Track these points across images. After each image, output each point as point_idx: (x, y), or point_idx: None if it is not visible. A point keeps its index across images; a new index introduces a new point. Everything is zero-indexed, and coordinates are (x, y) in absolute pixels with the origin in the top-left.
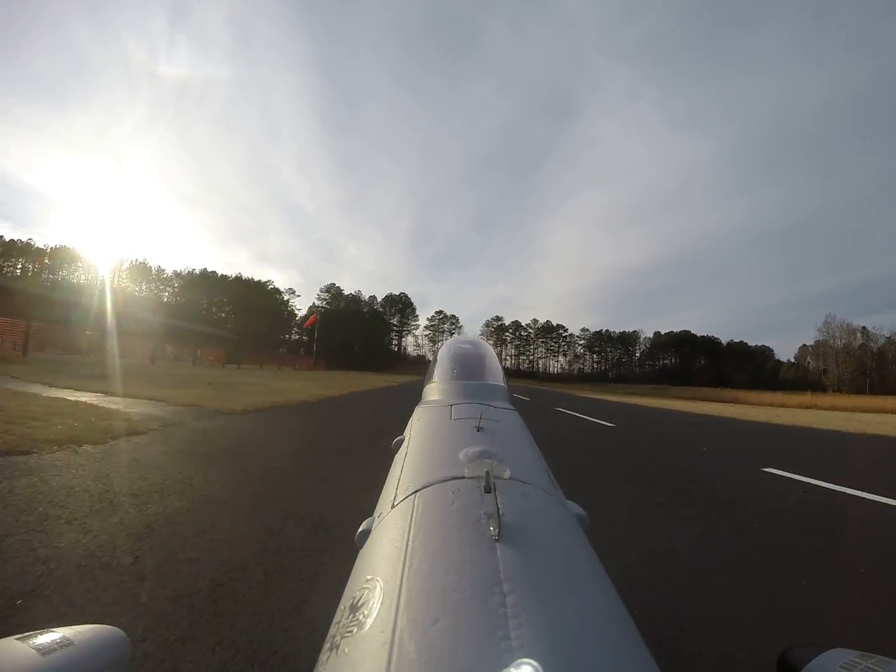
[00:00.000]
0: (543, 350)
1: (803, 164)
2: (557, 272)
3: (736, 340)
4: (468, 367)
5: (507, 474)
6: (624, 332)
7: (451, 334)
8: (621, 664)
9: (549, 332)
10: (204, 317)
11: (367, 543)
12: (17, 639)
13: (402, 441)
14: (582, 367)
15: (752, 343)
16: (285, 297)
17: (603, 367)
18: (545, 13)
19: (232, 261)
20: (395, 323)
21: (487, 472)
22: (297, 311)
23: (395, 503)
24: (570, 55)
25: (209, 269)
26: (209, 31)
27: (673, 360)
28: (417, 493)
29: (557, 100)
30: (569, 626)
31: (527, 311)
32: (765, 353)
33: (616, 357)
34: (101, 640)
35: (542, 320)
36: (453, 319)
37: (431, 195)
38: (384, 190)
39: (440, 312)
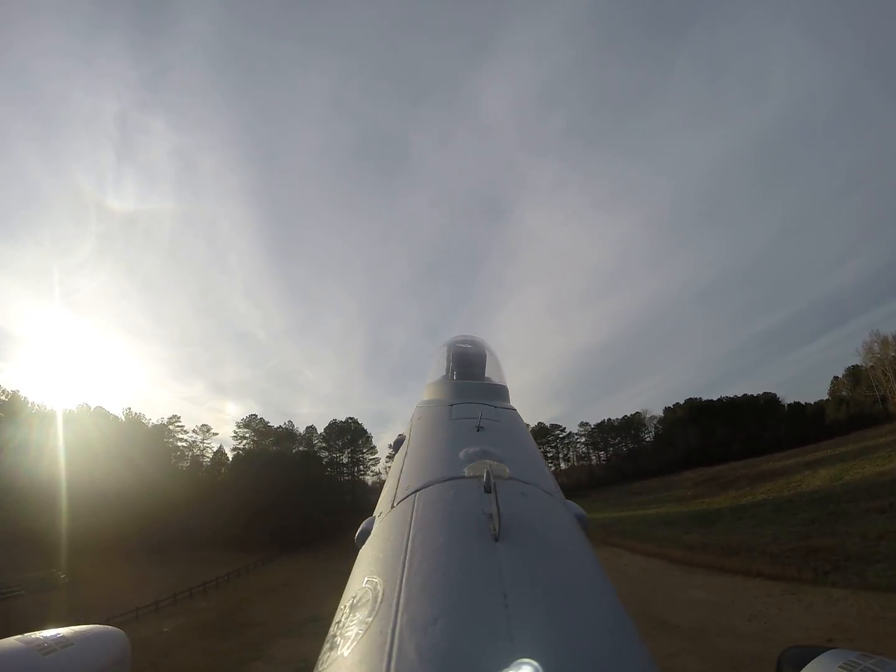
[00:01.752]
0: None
1: (731, 214)
2: (513, 368)
3: (728, 396)
4: (468, 367)
5: (507, 474)
6: (625, 416)
7: None
8: (621, 664)
9: (545, 435)
10: None
11: (366, 543)
12: (18, 639)
13: (402, 440)
14: (590, 468)
15: (750, 392)
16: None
17: (614, 463)
18: (466, 123)
19: (188, 394)
20: (344, 460)
21: (487, 472)
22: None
23: (396, 503)
24: (495, 158)
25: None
26: (154, 163)
27: (690, 437)
28: (417, 493)
29: (489, 202)
30: (569, 626)
31: None
32: (777, 400)
33: (627, 448)
34: (101, 640)
35: (531, 423)
36: None
37: (380, 310)
38: (334, 311)
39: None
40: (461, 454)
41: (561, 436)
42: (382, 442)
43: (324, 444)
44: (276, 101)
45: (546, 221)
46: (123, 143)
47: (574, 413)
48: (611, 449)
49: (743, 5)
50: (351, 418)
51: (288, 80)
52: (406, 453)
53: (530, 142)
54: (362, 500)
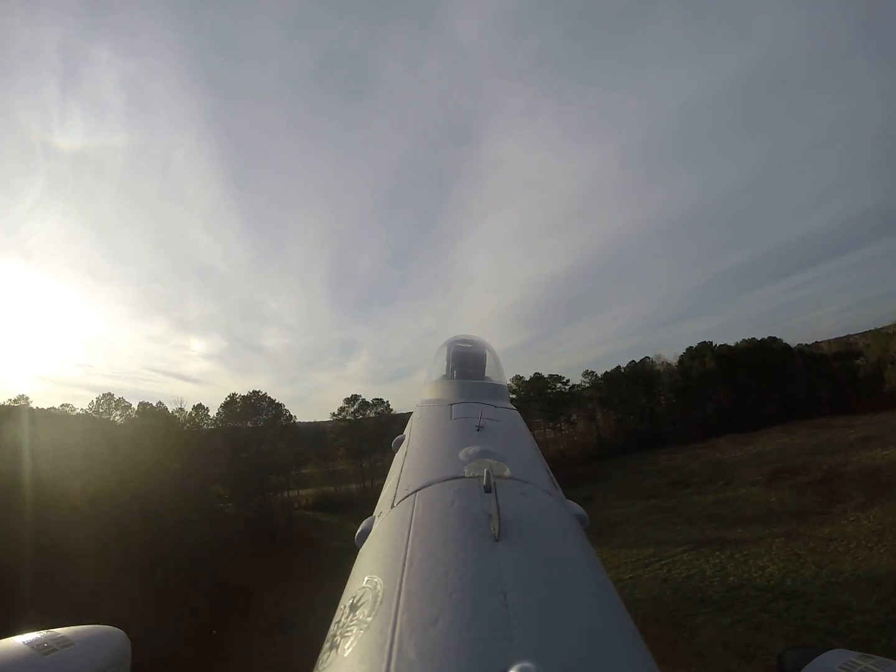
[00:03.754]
0: (541, 421)
1: (703, 152)
2: (479, 295)
3: (749, 339)
4: (468, 366)
5: (507, 474)
6: (633, 362)
7: (380, 424)
8: (621, 664)
9: (543, 390)
10: None
11: (366, 543)
12: (18, 639)
13: (402, 440)
14: (598, 431)
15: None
16: None
17: (629, 426)
18: (436, 44)
19: (151, 333)
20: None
21: (488, 472)
22: None
23: (396, 503)
24: (464, 82)
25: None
26: (101, 95)
27: (719, 393)
28: (417, 493)
29: (456, 127)
30: (569, 626)
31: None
32: (782, 345)
33: (641, 405)
34: (101, 640)
35: (525, 375)
36: (379, 405)
37: (344, 238)
38: (296, 240)
39: (353, 399)
40: (461, 454)
41: (564, 390)
42: (349, 370)
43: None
44: (229, 20)
45: (515, 149)
46: (68, 75)
47: (540, 340)
48: (621, 406)
49: None
50: (256, 391)
51: None
52: (406, 453)
53: (502, 66)
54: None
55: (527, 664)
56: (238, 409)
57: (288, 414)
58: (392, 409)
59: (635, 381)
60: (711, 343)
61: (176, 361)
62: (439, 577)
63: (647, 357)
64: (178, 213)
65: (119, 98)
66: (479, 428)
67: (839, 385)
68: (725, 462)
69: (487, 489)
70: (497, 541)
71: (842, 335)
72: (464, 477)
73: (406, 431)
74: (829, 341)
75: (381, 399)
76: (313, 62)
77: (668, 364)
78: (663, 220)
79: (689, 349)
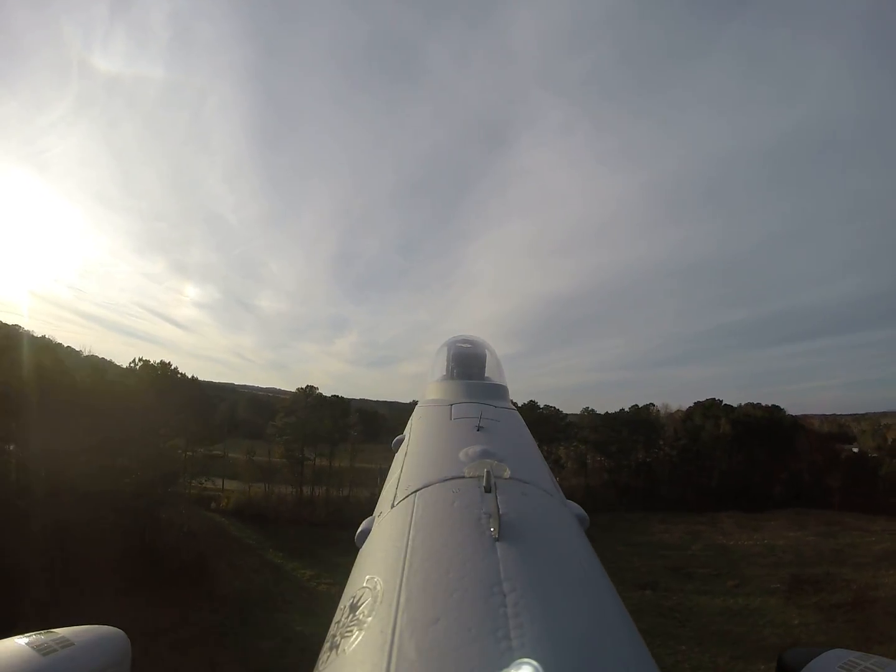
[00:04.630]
0: None
1: (728, 203)
2: (479, 298)
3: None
4: (468, 367)
5: (507, 474)
6: (636, 407)
7: None
8: (621, 664)
9: (537, 422)
10: None
11: (366, 543)
12: (18, 639)
13: (402, 440)
14: (586, 476)
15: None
16: None
17: (622, 480)
18: (489, 43)
19: (148, 270)
20: None
21: (488, 472)
22: None
23: (396, 503)
24: (510, 86)
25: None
26: (148, 25)
27: (731, 460)
28: (417, 493)
29: (492, 129)
30: (569, 626)
31: (445, 338)
32: (789, 419)
33: (638, 458)
34: (101, 640)
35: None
36: (339, 403)
37: (358, 216)
38: (310, 208)
39: (308, 391)
40: (461, 454)
41: (559, 425)
42: (335, 347)
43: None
44: None
45: (544, 162)
46: None
47: (531, 355)
48: (617, 455)
49: (796, 9)
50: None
51: None
52: (406, 453)
53: (549, 78)
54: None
55: (527, 664)
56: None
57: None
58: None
59: (636, 429)
60: (721, 402)
61: (167, 303)
62: (439, 577)
63: (652, 404)
64: (199, 158)
65: (166, 32)
66: (480, 428)
67: (854, 474)
68: (733, 551)
69: (487, 489)
70: (497, 541)
71: (828, 413)
72: (464, 477)
73: (406, 431)
74: (819, 419)
75: (339, 396)
76: (366, 36)
77: (672, 415)
78: (676, 261)
79: (699, 404)
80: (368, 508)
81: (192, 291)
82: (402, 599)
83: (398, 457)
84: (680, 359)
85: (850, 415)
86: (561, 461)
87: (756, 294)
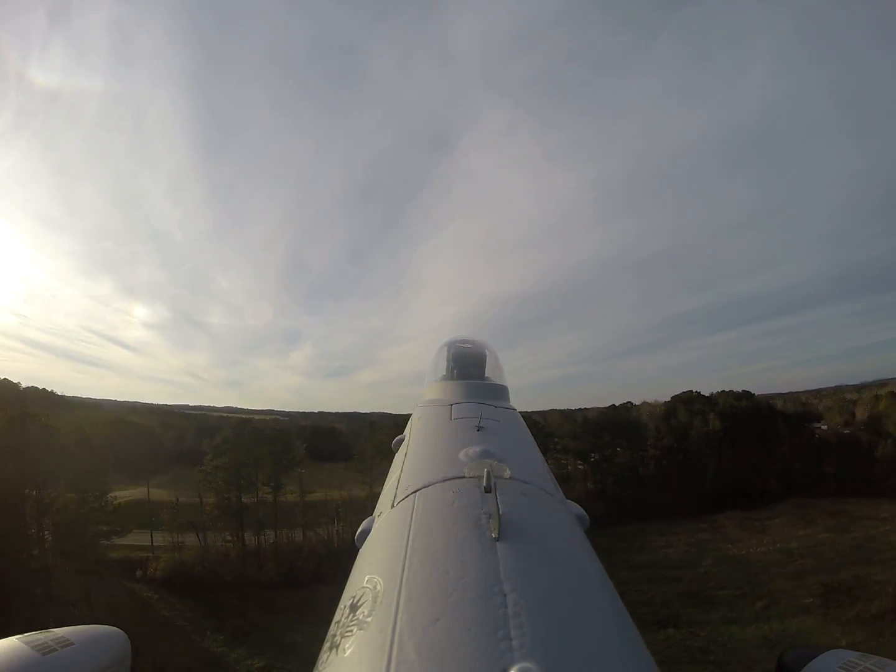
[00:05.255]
0: None
1: (681, 195)
2: (431, 303)
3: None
4: (468, 367)
5: (507, 474)
6: (613, 406)
7: None
8: (621, 664)
9: None
10: None
11: (366, 543)
12: (18, 639)
13: (402, 440)
14: (570, 492)
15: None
16: None
17: (610, 490)
18: (431, 48)
19: (94, 292)
20: None
21: (488, 472)
22: None
23: (396, 503)
24: (453, 90)
25: None
26: (87, 33)
27: (717, 458)
28: (417, 493)
29: (435, 132)
30: (569, 626)
31: (399, 344)
32: (758, 400)
33: (623, 464)
34: (101, 640)
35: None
36: (278, 440)
37: (306, 225)
38: (257, 219)
39: (242, 427)
40: (461, 454)
41: (540, 435)
42: (290, 360)
43: None
44: None
45: (490, 163)
46: (58, 5)
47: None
48: (602, 465)
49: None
50: None
51: None
52: (406, 453)
53: (493, 81)
54: None
55: (527, 664)
56: None
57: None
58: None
59: (618, 432)
60: (698, 393)
61: (116, 325)
62: (439, 577)
63: (630, 402)
64: (142, 173)
65: (105, 41)
66: (480, 428)
67: (848, 459)
68: (748, 563)
69: (487, 489)
70: (497, 541)
71: (784, 391)
72: (464, 477)
73: (406, 431)
74: (783, 398)
75: (284, 433)
76: (308, 42)
77: (651, 412)
78: (631, 254)
79: (678, 398)
80: (326, 554)
81: (140, 312)
82: (402, 599)
83: (398, 457)
84: (644, 348)
85: (809, 391)
86: None
87: (708, 281)
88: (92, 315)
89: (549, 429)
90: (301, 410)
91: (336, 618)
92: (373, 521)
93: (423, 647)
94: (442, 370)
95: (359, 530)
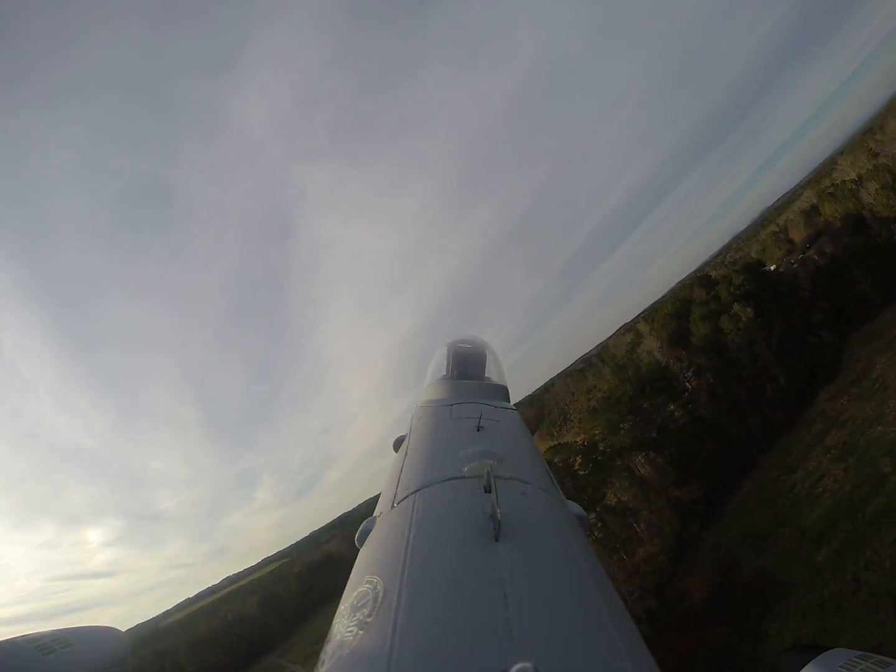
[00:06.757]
0: None
1: (508, 164)
2: (353, 374)
3: None
4: (468, 367)
5: (507, 474)
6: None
7: None
8: (621, 664)
9: None
10: None
11: (367, 542)
12: (18, 639)
13: (402, 440)
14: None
15: None
16: None
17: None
18: (231, 145)
19: (41, 539)
20: None
21: (488, 472)
22: None
23: (396, 502)
24: (269, 176)
25: None
26: None
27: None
28: (418, 493)
29: (274, 223)
30: (569, 626)
31: (347, 428)
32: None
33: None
34: (101, 640)
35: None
36: None
37: (202, 369)
38: (155, 385)
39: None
40: (461, 454)
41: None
42: (258, 501)
43: None
44: (18, 174)
45: (335, 225)
46: None
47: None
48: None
49: None
50: None
51: (28, 147)
52: (406, 453)
53: (299, 148)
54: None
55: (527, 664)
56: None
57: None
58: None
59: (658, 391)
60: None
61: (78, 561)
62: (439, 577)
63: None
64: (24, 401)
65: None
66: (480, 428)
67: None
68: None
69: (487, 489)
70: (497, 541)
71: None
72: (464, 477)
73: (406, 431)
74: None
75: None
76: (116, 196)
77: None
78: (496, 236)
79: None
80: None
81: (94, 535)
82: (402, 599)
83: (398, 456)
84: (547, 314)
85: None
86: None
87: (574, 224)
88: (50, 563)
89: None
90: (294, 541)
91: (336, 618)
92: (373, 521)
93: (423, 647)
94: (442, 370)
95: (359, 530)
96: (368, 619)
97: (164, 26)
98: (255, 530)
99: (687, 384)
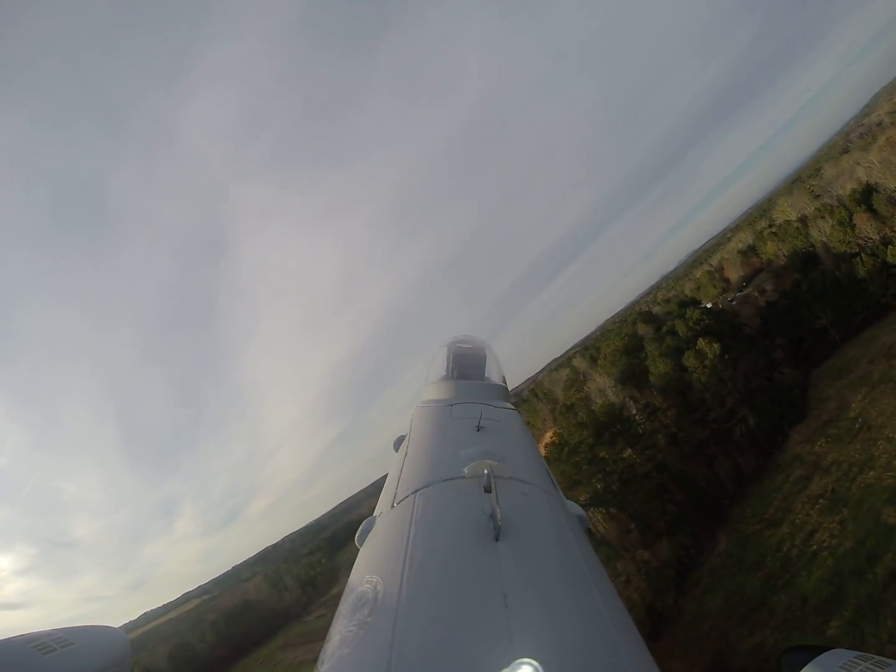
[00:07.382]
0: None
1: (449, 196)
2: (280, 402)
3: None
4: (468, 367)
5: (507, 474)
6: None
7: None
8: (621, 664)
9: None
10: None
11: (367, 542)
12: (18, 638)
13: (402, 440)
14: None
15: None
16: None
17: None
18: (168, 160)
19: None
20: None
21: (487, 472)
22: None
23: (396, 502)
24: (208, 193)
25: None
26: None
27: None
28: (418, 493)
29: (210, 241)
30: (569, 626)
31: (271, 456)
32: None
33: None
34: (101, 640)
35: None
36: None
37: (123, 387)
38: (73, 402)
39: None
40: (461, 454)
41: None
42: (178, 531)
43: None
44: None
45: (270, 247)
46: None
47: (354, 426)
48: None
49: None
50: None
51: None
52: (406, 453)
53: (240, 167)
54: None
55: (527, 664)
56: None
57: None
58: None
59: (616, 434)
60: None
61: None
62: (439, 577)
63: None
64: None
65: None
66: (479, 428)
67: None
68: None
69: (487, 489)
70: (497, 541)
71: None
72: (464, 477)
73: (407, 430)
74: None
75: None
76: (48, 190)
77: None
78: (432, 267)
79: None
80: None
81: (4, 562)
82: (402, 599)
83: (399, 456)
84: (503, 325)
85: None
86: None
87: (516, 253)
88: None
89: None
90: (216, 576)
91: (336, 618)
92: (373, 520)
93: (423, 647)
94: (442, 370)
95: (359, 530)
96: (368, 619)
97: (119, 25)
98: (176, 562)
99: (639, 428)
